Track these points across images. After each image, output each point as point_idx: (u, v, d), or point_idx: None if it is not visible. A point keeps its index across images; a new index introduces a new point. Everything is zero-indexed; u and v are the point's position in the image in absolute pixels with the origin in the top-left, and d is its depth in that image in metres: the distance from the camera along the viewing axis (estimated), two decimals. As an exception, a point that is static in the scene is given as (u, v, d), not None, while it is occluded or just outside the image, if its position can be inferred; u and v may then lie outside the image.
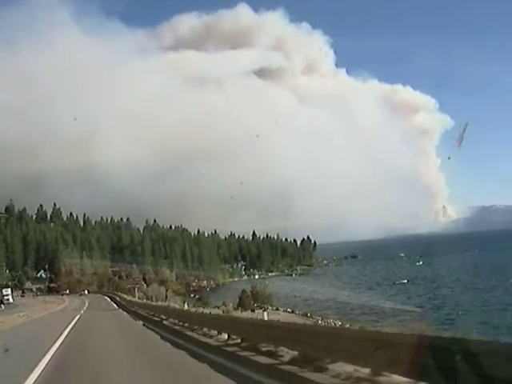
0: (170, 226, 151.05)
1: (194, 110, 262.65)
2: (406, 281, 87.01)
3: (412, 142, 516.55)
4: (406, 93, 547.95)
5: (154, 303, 45.71)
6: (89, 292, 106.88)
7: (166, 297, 56.21)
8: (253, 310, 49.16)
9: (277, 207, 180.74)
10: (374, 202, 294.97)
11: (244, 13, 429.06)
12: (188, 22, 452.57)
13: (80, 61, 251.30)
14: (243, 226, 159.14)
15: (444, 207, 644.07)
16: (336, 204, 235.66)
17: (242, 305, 57.17)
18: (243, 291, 62.64)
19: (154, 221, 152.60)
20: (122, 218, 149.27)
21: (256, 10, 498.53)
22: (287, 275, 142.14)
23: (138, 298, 57.54)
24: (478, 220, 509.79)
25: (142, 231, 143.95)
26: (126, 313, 43.96)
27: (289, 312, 54.56)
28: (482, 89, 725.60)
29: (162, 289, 44.85)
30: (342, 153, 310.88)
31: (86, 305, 64.60)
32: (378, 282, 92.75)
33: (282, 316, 44.01)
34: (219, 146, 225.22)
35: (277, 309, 56.80)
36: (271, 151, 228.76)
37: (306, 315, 49.69)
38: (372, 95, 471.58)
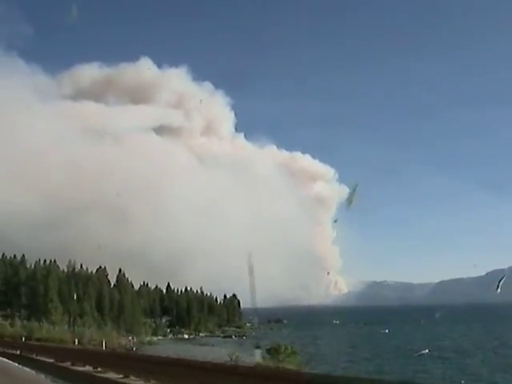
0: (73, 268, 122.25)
1: (88, 163, 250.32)
2: (426, 351, 70.62)
3: (308, 212, 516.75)
4: (304, 160, 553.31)
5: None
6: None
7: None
8: None
9: (166, 268, 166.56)
10: (265, 270, 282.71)
11: (146, 68, 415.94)
12: (89, 72, 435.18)
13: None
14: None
15: (336, 280, 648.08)
16: (227, 270, 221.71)
17: None
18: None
19: (54, 261, 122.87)
20: (15, 255, 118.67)
21: (159, 65, 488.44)
22: (224, 337, 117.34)
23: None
24: (370, 294, 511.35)
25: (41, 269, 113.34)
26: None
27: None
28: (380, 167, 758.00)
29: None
30: (236, 217, 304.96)
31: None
32: (395, 353, 73.93)
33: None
34: (112, 199, 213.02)
35: None
36: (165, 209, 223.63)
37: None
38: (270, 161, 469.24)
